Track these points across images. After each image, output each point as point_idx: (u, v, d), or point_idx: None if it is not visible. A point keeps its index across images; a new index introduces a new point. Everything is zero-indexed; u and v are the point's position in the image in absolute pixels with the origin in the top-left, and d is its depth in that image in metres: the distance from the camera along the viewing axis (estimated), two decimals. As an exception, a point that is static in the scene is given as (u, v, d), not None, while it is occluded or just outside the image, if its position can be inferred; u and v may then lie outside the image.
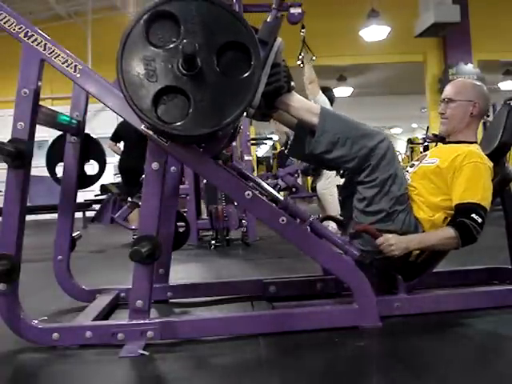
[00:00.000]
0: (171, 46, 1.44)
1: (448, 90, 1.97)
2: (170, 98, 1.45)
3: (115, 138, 5.07)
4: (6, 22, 1.61)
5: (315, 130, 1.72)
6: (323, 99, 4.08)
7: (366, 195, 1.75)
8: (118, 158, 5.19)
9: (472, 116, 1.93)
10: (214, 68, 1.45)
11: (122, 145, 5.14)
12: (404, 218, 1.78)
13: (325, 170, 4.20)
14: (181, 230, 2.52)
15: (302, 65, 4.20)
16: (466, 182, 1.78)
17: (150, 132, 1.59)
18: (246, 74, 1.46)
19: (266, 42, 1.63)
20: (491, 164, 1.86)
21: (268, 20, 1.68)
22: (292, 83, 1.74)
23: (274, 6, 1.71)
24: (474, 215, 1.73)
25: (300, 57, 4.29)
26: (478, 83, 2.01)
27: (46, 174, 2.21)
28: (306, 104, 1.78)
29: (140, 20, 1.43)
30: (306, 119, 1.75)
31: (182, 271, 2.98)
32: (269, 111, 1.79)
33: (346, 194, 1.97)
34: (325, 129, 1.71)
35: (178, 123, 1.44)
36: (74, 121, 2.06)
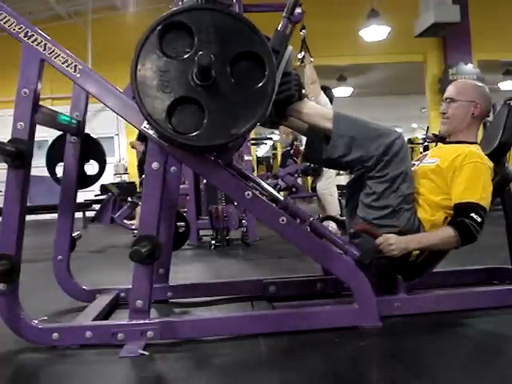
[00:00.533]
0: (185, 56, 1.44)
1: (450, 90, 1.98)
2: (184, 108, 1.44)
3: (140, 137, 5.09)
4: (6, 22, 1.61)
5: (330, 135, 1.72)
6: (325, 100, 4.08)
7: (375, 190, 1.75)
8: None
9: (473, 116, 1.93)
10: (228, 78, 1.45)
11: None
12: (409, 217, 1.77)
13: (325, 170, 4.20)
14: (181, 230, 2.52)
15: (302, 64, 4.21)
16: (466, 181, 1.78)
17: (150, 132, 1.59)
18: (260, 84, 1.46)
19: (278, 51, 1.62)
20: (491, 164, 1.86)
21: (279, 28, 1.67)
22: (303, 91, 1.73)
23: (284, 14, 1.69)
24: (473, 214, 1.73)
25: (300, 56, 4.29)
26: (480, 84, 2.01)
27: (46, 174, 2.21)
28: (319, 110, 1.78)
29: (154, 30, 1.43)
30: (320, 125, 1.75)
31: (182, 271, 2.98)
32: (279, 119, 1.79)
33: (350, 192, 1.96)
34: (340, 133, 1.71)
35: (193, 134, 1.44)
36: (73, 121, 2.05)
